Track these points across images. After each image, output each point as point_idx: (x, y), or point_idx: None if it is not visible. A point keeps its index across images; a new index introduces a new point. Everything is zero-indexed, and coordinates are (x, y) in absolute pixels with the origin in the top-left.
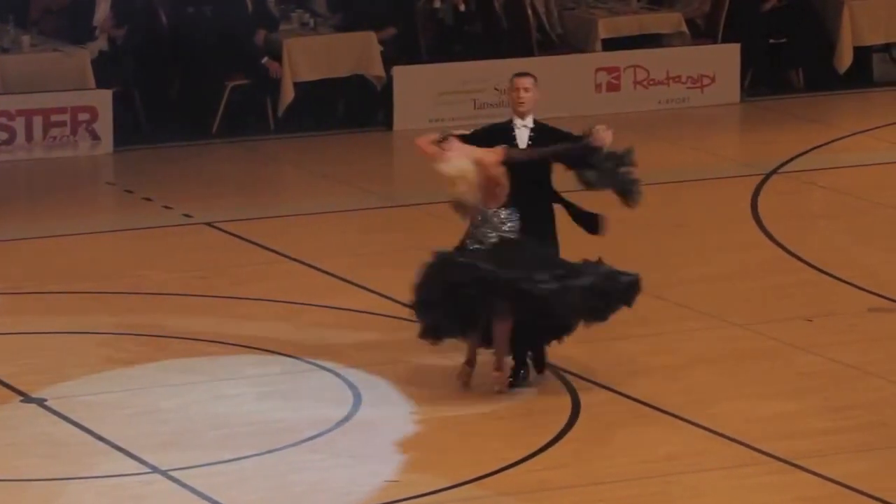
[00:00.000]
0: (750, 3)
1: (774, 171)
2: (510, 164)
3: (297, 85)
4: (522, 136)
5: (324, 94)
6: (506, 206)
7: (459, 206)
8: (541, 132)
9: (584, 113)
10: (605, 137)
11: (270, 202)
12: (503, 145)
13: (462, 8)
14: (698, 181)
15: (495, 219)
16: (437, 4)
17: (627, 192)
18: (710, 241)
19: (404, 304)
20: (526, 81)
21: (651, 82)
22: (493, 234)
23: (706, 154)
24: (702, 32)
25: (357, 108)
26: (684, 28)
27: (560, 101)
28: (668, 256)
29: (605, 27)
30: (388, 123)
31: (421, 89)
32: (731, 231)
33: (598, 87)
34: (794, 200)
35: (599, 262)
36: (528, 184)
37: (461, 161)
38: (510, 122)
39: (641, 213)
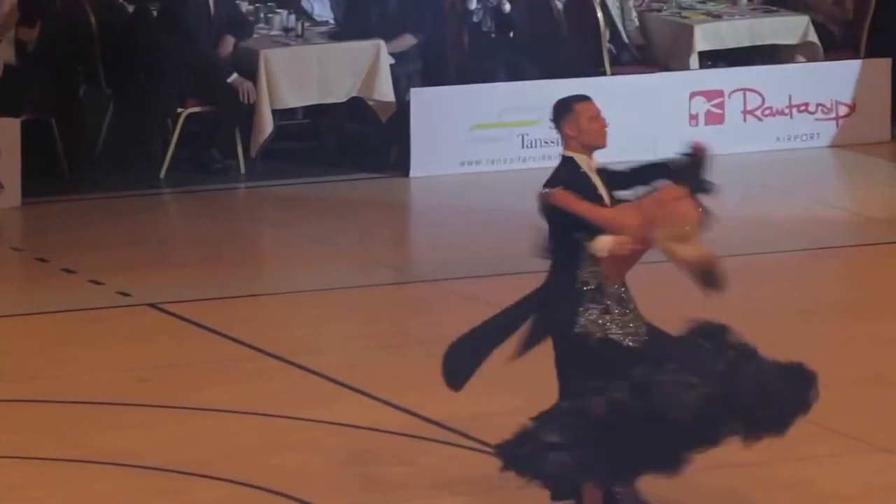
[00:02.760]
0: None
1: None
2: None
3: (277, 113)
4: (598, 182)
5: (314, 127)
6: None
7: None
8: (606, 174)
9: (675, 154)
10: (702, 145)
11: (240, 276)
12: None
13: (507, 8)
14: (833, 249)
15: (626, 296)
16: (473, 5)
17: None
18: (849, 333)
19: (487, 446)
20: (598, 107)
21: (767, 112)
22: (641, 325)
23: (843, 212)
24: (838, 43)
25: (360, 145)
26: (813, 37)
27: (642, 136)
28: (791, 352)
29: (705, 36)
30: (402, 167)
31: (448, 120)
32: (879, 318)
33: (692, 117)
34: None
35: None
36: None
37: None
38: (574, 163)
39: (756, 294)
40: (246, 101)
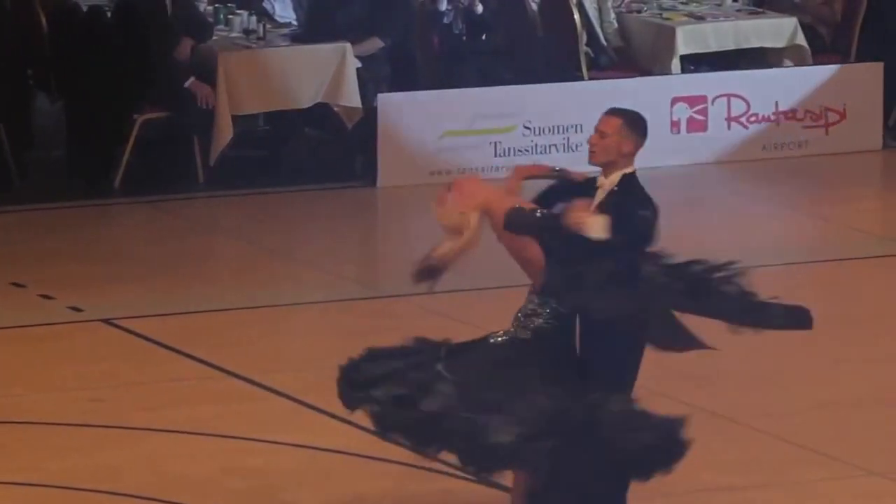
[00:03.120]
0: None
1: None
2: (515, 231)
3: (237, 119)
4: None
5: (276, 134)
6: (540, 291)
7: (424, 272)
8: (626, 189)
9: (655, 163)
10: (578, 218)
11: (198, 290)
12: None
13: (479, 9)
14: (822, 263)
15: (524, 307)
16: (443, 6)
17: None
18: (839, 351)
19: (454, 468)
20: (606, 123)
21: (752, 119)
22: (510, 331)
23: (832, 224)
24: (827, 47)
25: (325, 154)
26: (801, 40)
27: None
28: (777, 372)
29: (687, 38)
30: (369, 177)
31: (417, 127)
32: (869, 336)
33: (674, 124)
34: None
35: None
36: None
37: (463, 208)
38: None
39: None
40: (204, 107)
